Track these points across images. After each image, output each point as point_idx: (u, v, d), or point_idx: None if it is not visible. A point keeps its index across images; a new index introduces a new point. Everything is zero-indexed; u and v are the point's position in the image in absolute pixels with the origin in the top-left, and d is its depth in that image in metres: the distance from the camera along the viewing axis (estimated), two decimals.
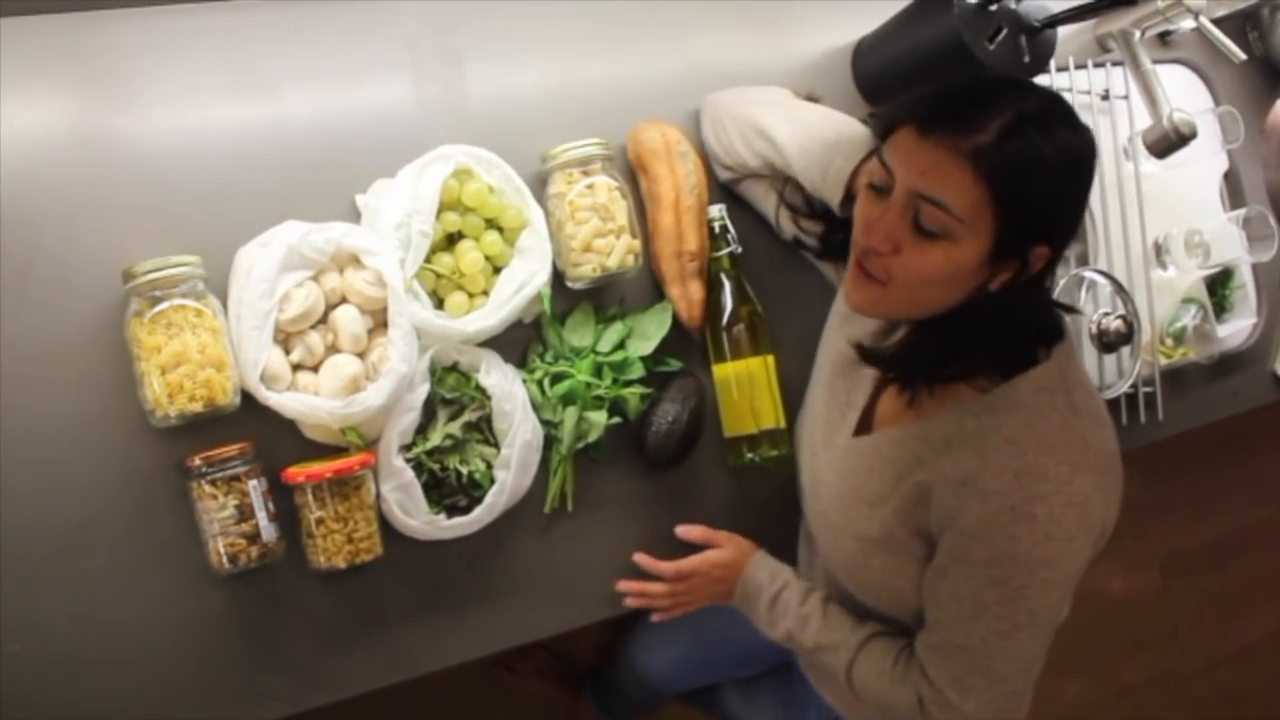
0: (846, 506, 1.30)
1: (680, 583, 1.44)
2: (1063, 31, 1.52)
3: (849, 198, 1.31)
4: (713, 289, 1.51)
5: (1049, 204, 1.11)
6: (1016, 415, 1.17)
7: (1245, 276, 1.94)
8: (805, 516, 1.48)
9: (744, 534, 1.44)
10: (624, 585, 1.45)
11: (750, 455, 1.49)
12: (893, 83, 1.63)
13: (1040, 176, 1.08)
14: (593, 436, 1.44)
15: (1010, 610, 1.17)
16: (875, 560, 1.27)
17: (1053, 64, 1.72)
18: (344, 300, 1.32)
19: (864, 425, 1.35)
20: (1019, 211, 1.08)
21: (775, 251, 1.57)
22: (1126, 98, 1.83)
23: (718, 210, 1.51)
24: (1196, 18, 1.55)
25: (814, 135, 1.38)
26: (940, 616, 1.23)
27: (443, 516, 1.36)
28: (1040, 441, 1.15)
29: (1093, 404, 1.21)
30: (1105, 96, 1.83)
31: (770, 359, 1.51)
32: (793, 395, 1.51)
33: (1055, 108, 1.11)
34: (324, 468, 1.28)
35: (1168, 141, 1.48)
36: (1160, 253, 1.87)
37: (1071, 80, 1.80)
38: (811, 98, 1.49)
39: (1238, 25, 1.95)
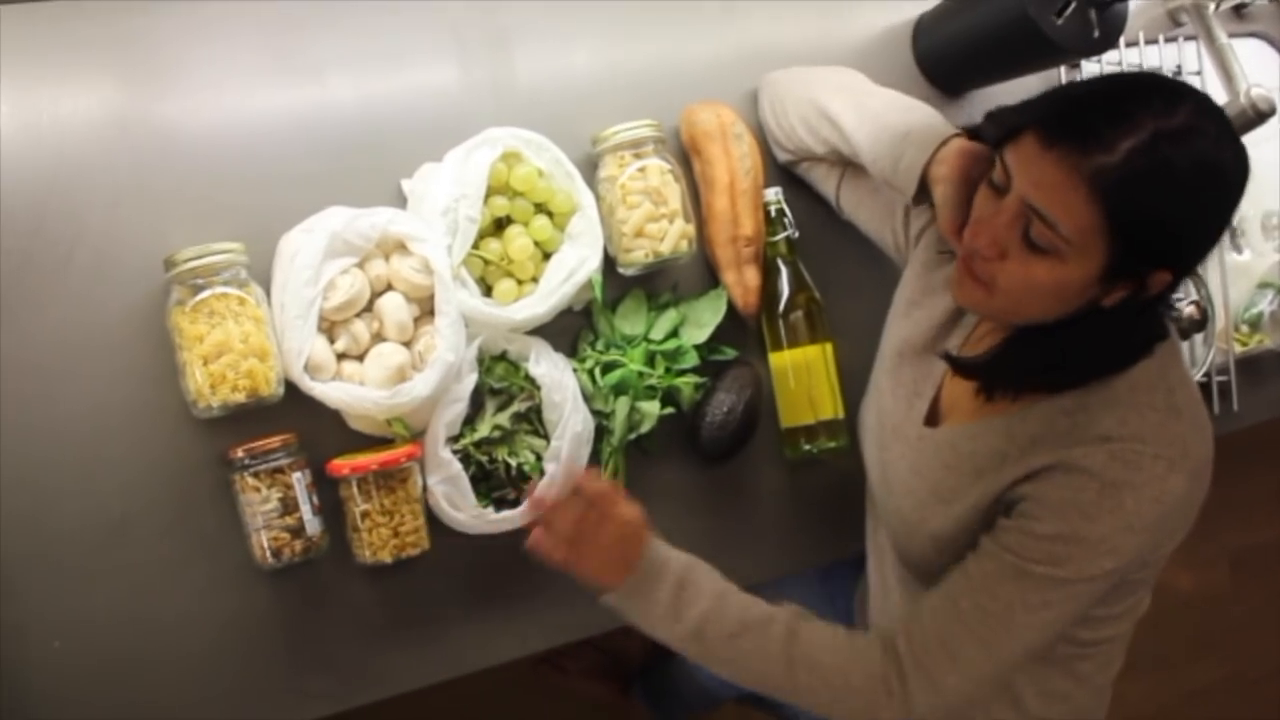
0: (920, 503, 1.27)
1: (581, 514, 1.22)
2: (1133, 5, 1.48)
3: (923, 190, 1.28)
4: (769, 275, 1.50)
5: (1174, 231, 1.05)
6: (1112, 413, 1.13)
7: None
8: (873, 511, 1.46)
9: (801, 531, 1.42)
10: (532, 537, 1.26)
11: (808, 447, 1.48)
12: (955, 61, 1.60)
13: (1168, 203, 1.02)
14: (645, 427, 1.43)
15: (1051, 588, 1.12)
16: (952, 558, 1.22)
17: (1122, 40, 1.68)
18: (389, 288, 1.32)
19: (932, 415, 1.32)
20: (1136, 240, 1.03)
21: (834, 235, 1.55)
22: (1200, 74, 1.78)
23: (774, 193, 1.50)
24: None
25: (884, 125, 1.34)
26: (969, 570, 1.16)
27: (491, 510, 1.36)
28: (1137, 436, 1.11)
29: (1195, 408, 1.16)
30: (1177, 73, 1.79)
31: (829, 347, 1.49)
32: (852, 385, 1.49)
33: (1203, 123, 1.03)
34: (370, 460, 1.28)
35: (1245, 119, 1.43)
36: (1235, 235, 1.82)
37: (1141, 56, 1.76)
38: None
39: None
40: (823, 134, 1.43)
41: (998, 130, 1.10)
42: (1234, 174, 1.04)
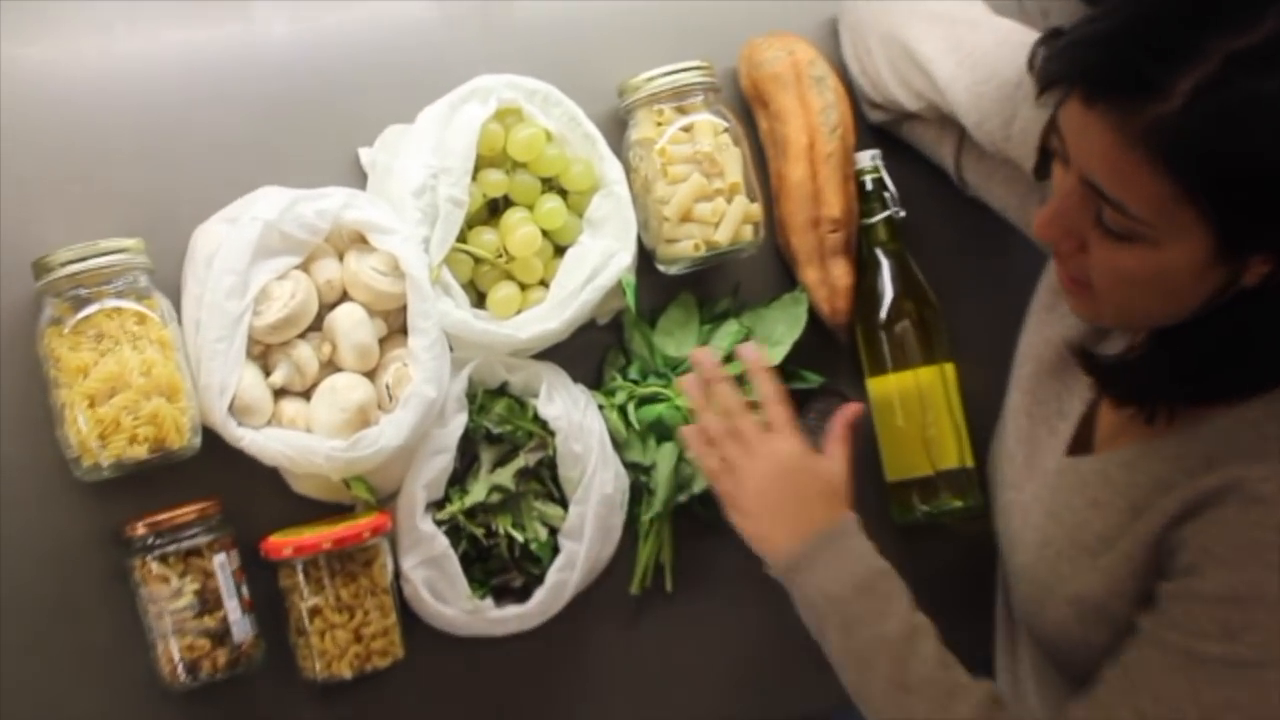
0: (1059, 557, 1.25)
1: (755, 436, 1.29)
2: None
3: (1046, 158, 1.25)
4: (865, 271, 1.49)
5: None
6: None
7: None
8: (1001, 581, 1.44)
9: None
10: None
11: (924, 508, 1.46)
12: None
13: (1263, 144, 0.98)
14: (698, 485, 1.41)
15: (1232, 679, 1.08)
16: (1099, 633, 1.20)
17: None
18: (345, 297, 1.32)
19: (1081, 443, 1.30)
20: (1236, 200, 1.00)
21: (953, 214, 1.53)
22: None
23: (870, 158, 1.49)
24: None
25: (991, 72, 1.33)
26: (1127, 665, 1.14)
27: (490, 603, 1.35)
28: None
29: None
30: None
31: (949, 369, 1.48)
32: (983, 420, 1.47)
33: None
34: (320, 536, 1.26)
35: None
36: None
37: None
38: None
39: None
40: (915, 85, 1.42)
41: (1041, 83, 1.10)
42: None
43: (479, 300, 1.37)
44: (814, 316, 1.46)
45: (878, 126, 1.54)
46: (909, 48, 1.41)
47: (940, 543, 1.51)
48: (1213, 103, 0.97)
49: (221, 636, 1.23)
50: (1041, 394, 1.35)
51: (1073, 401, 1.32)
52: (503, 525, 1.35)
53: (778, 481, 1.28)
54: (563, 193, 1.39)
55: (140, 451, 1.19)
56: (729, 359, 1.41)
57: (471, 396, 1.35)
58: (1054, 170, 1.14)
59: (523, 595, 1.35)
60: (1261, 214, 1.01)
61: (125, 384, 1.18)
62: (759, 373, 1.31)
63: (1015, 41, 1.34)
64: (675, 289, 1.46)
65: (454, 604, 1.32)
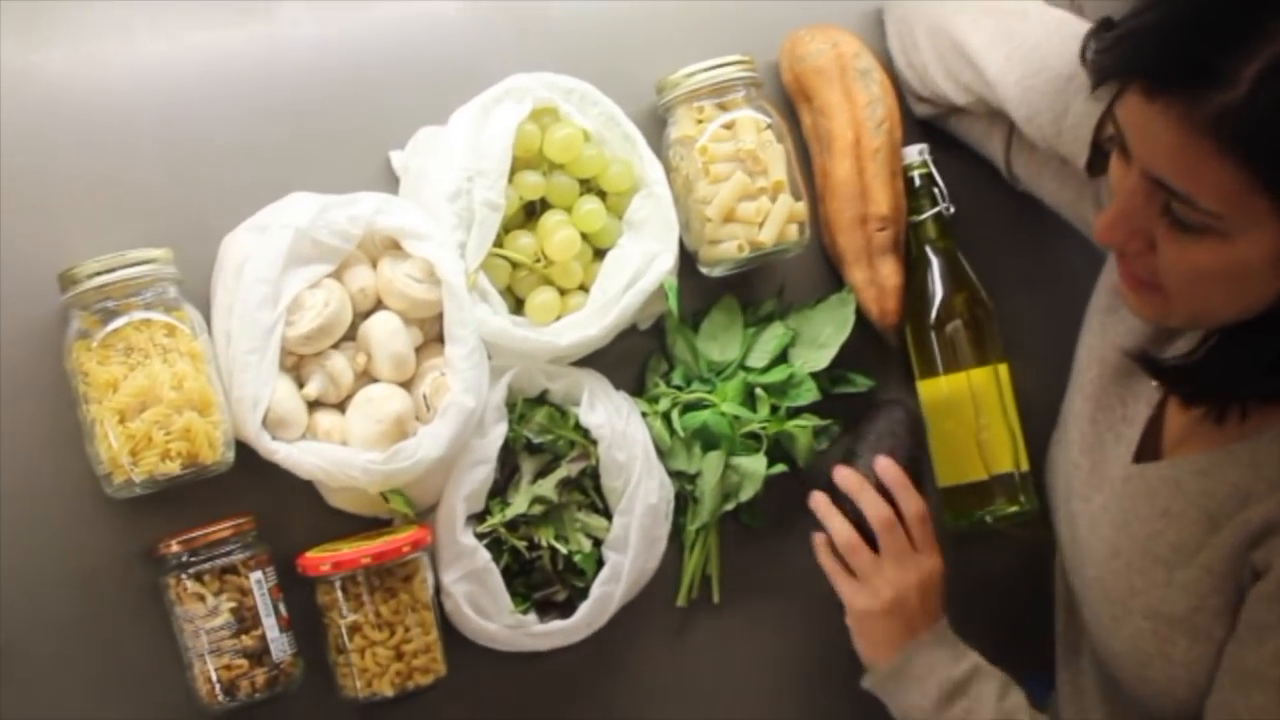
0: (1130, 569, 1.23)
1: (881, 556, 1.37)
2: None
3: (1099, 154, 1.25)
4: (914, 270, 1.49)
5: None
6: None
7: None
8: (1062, 597, 1.42)
9: (969, 635, 1.39)
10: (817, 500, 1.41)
11: (979, 514, 1.46)
12: None
13: None
14: (746, 493, 1.40)
15: None
16: (1178, 649, 1.19)
17: None
18: (379, 306, 1.31)
19: (1149, 449, 1.29)
20: None
21: (1004, 209, 1.53)
22: None
23: (918, 153, 1.49)
24: None
25: (1042, 65, 1.32)
26: (1236, 705, 1.13)
27: (533, 617, 1.35)
28: None
29: None
30: None
31: (1003, 369, 1.48)
32: (1039, 422, 1.46)
33: None
34: (359, 551, 1.25)
35: None
36: None
37: None
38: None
39: None
40: (963, 79, 1.42)
41: (1096, 78, 1.09)
42: None
43: (517, 306, 1.37)
44: (862, 318, 1.46)
45: (925, 120, 1.54)
46: (957, 40, 1.40)
47: (995, 548, 1.52)
48: (1274, 87, 0.96)
49: (259, 656, 1.23)
50: (1106, 400, 1.35)
51: (1139, 406, 1.31)
52: (545, 537, 1.35)
53: (912, 593, 1.34)
54: (602, 194, 1.39)
55: (173, 467, 1.18)
56: (776, 362, 1.43)
57: (511, 406, 1.35)
58: (1112, 169, 1.13)
59: (567, 609, 1.36)
60: None
61: (156, 398, 1.18)
62: (903, 489, 1.36)
63: (1066, 33, 1.33)
64: (719, 291, 1.46)
65: (496, 619, 1.33)
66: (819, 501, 1.38)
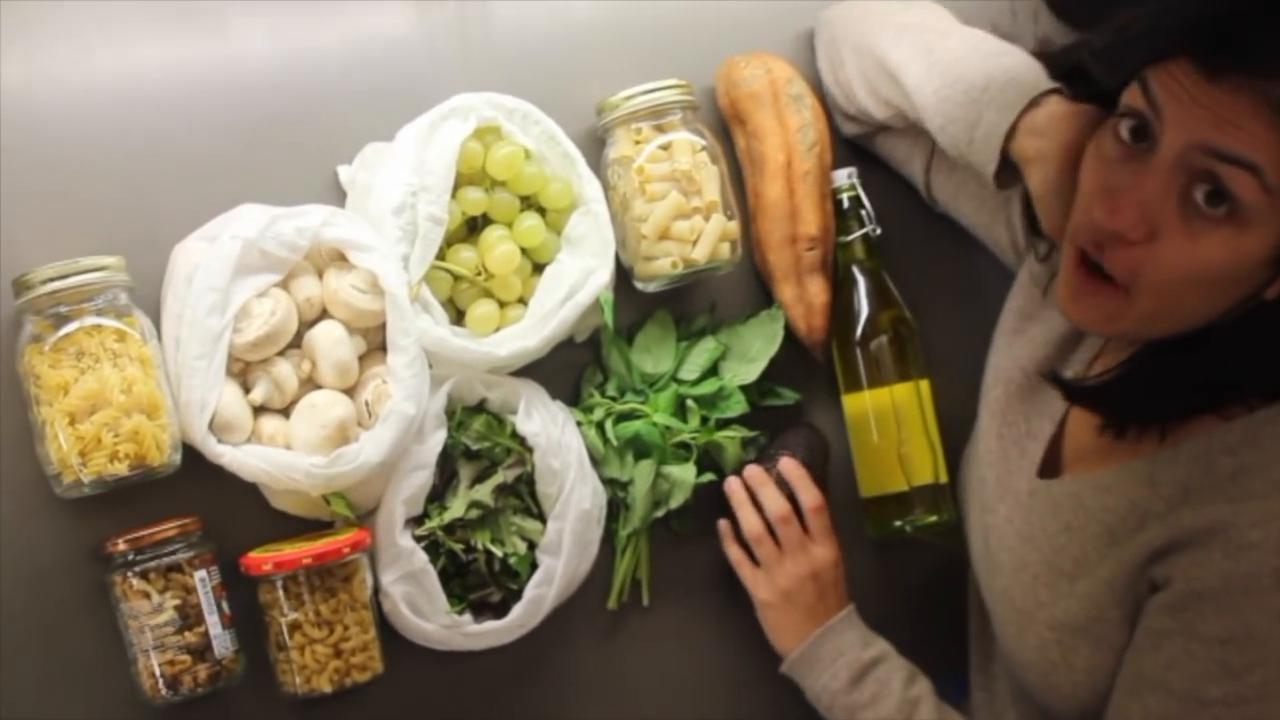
0: (1036, 581, 1.25)
1: (779, 544, 1.40)
2: None
3: (1006, 166, 1.26)
4: (841, 288, 1.50)
5: None
6: None
7: None
8: (975, 604, 1.44)
9: (896, 640, 1.40)
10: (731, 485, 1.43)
11: (899, 523, 1.46)
12: None
13: None
14: (676, 501, 1.41)
15: (1235, 709, 1.08)
16: (1081, 657, 1.20)
17: None
18: (325, 315, 1.32)
19: (1052, 463, 1.30)
20: None
21: (928, 231, 1.54)
22: None
23: (846, 176, 1.49)
24: None
25: (958, 78, 1.32)
26: (1131, 709, 1.15)
27: (468, 618, 1.35)
28: None
29: None
30: None
31: (924, 385, 1.48)
32: (958, 436, 1.47)
33: None
34: (300, 552, 1.26)
35: None
36: None
37: None
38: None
39: None
40: (884, 93, 1.42)
41: (1123, 63, 1.09)
42: None
43: (458, 318, 1.37)
44: (790, 333, 1.46)
45: (854, 143, 1.54)
46: (880, 56, 1.40)
47: (915, 557, 1.52)
48: None
49: (202, 652, 1.24)
50: (1011, 416, 1.35)
51: (1042, 422, 1.32)
52: (481, 541, 1.35)
53: (807, 583, 1.38)
54: (541, 211, 1.39)
55: (121, 468, 1.19)
56: (707, 375, 1.44)
57: (450, 413, 1.35)
58: (1088, 167, 1.12)
59: (501, 610, 1.36)
60: None
61: (106, 401, 1.19)
62: (801, 483, 1.39)
63: (985, 50, 1.34)
64: (652, 306, 1.46)
65: (433, 619, 1.33)
66: (735, 488, 1.41)
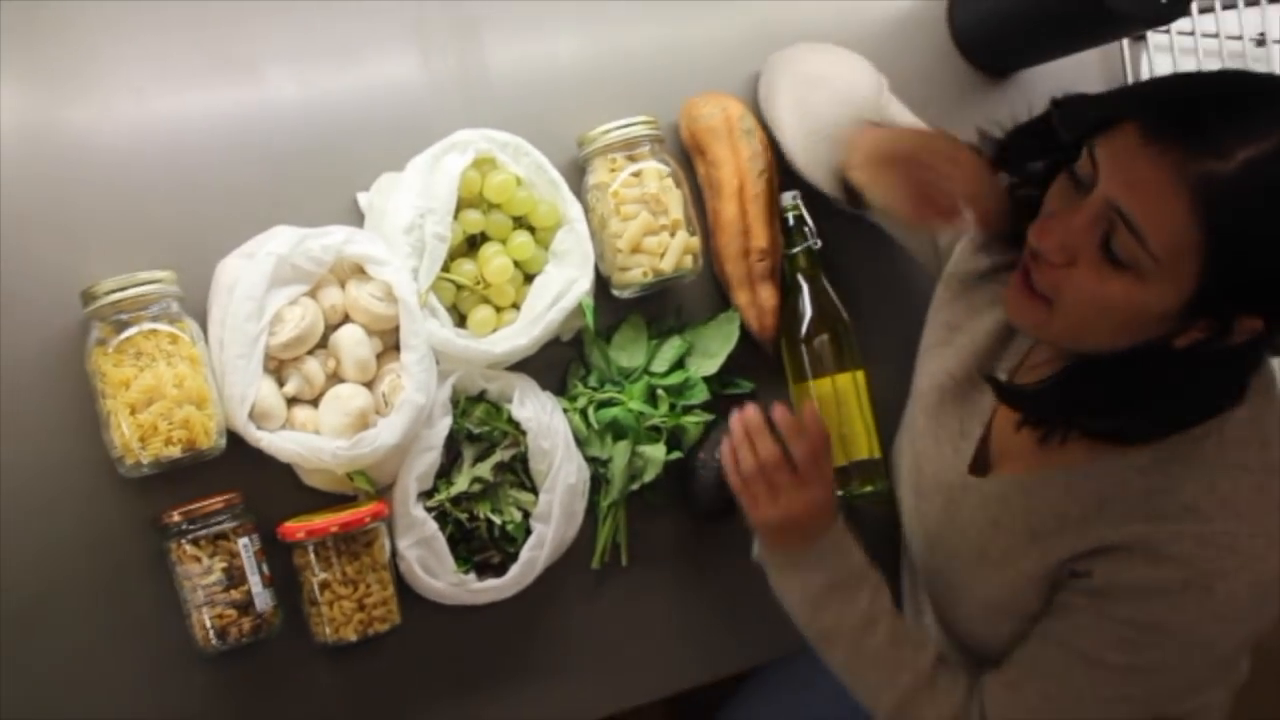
0: (966, 566, 1.30)
1: (785, 474, 1.29)
2: None
3: (852, 193, 1.33)
4: (788, 294, 1.53)
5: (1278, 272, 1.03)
6: (1197, 476, 1.14)
7: None
8: (909, 567, 1.49)
9: None
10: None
11: (841, 493, 1.48)
12: (1000, 35, 1.64)
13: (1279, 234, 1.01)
14: (649, 475, 1.45)
15: (1130, 681, 1.16)
16: (1004, 626, 1.27)
17: (1195, 5, 1.69)
18: (347, 320, 1.34)
19: (981, 461, 1.34)
20: (1235, 270, 1.03)
21: (863, 246, 1.57)
22: None
23: (791, 198, 1.52)
24: None
25: (819, 124, 1.39)
26: (1036, 656, 1.21)
27: (473, 577, 1.38)
28: (1230, 508, 1.12)
29: None
30: (1260, 42, 1.82)
31: (860, 375, 1.52)
32: (889, 419, 1.51)
33: None
34: (328, 521, 1.29)
35: None
36: None
37: (1219, 24, 1.79)
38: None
39: None
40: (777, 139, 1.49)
41: (1082, 120, 1.11)
42: None
43: (461, 321, 1.39)
44: (745, 333, 1.49)
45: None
46: (769, 107, 1.47)
47: (853, 521, 1.41)
48: (1259, 178, 0.98)
49: (246, 607, 1.27)
50: (945, 418, 1.38)
51: (973, 423, 1.34)
52: (483, 511, 1.38)
53: (800, 519, 1.29)
54: (531, 229, 1.41)
55: (175, 452, 1.23)
56: (674, 368, 1.47)
57: (455, 402, 1.37)
58: (1054, 191, 1.14)
59: (500, 570, 1.38)
60: (1239, 289, 1.03)
61: (161, 394, 1.22)
62: (794, 435, 1.29)
63: (841, 95, 1.43)
64: (627, 310, 1.49)
65: (442, 578, 1.35)
66: (752, 419, 1.31)
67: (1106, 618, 1.15)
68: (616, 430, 1.44)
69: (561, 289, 1.40)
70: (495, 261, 1.38)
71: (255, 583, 1.29)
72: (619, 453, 1.44)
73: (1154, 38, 1.75)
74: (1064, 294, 1.11)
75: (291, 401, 1.32)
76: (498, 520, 1.39)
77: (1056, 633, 1.20)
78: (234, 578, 1.28)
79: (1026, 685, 1.20)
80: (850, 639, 1.28)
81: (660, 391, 1.47)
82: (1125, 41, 1.72)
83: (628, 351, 1.48)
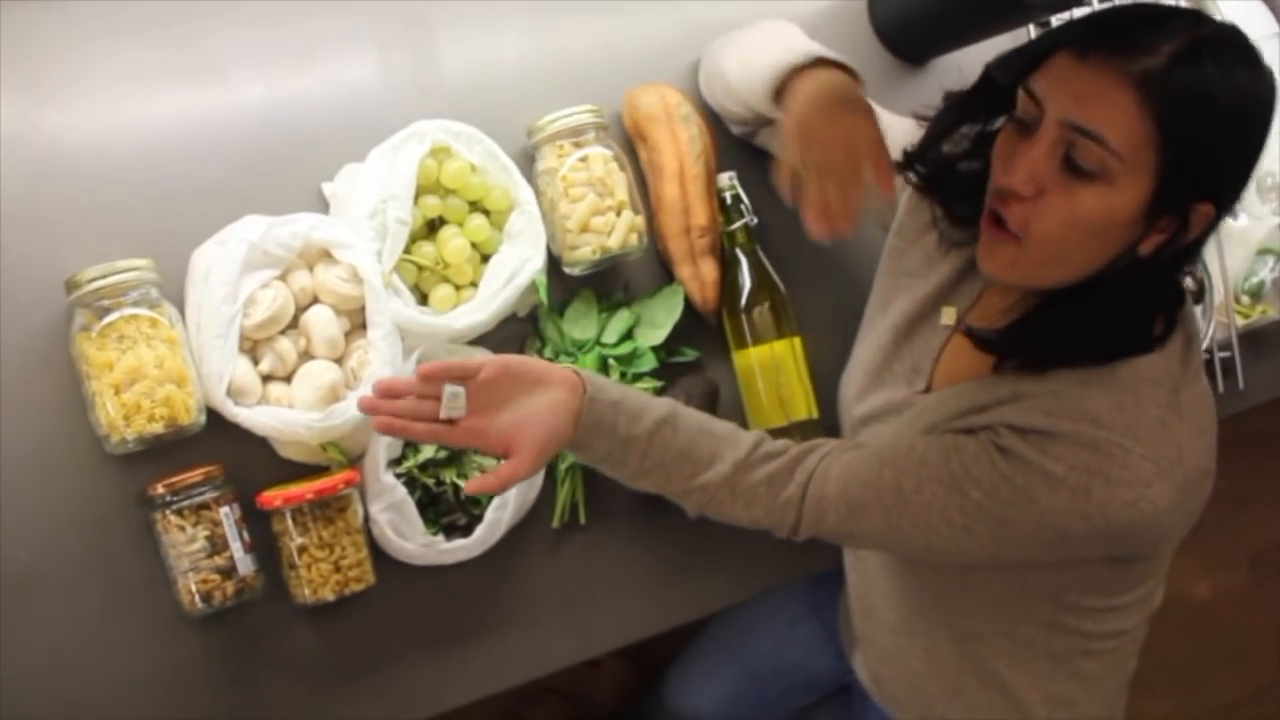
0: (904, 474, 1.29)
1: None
2: None
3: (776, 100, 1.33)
4: (728, 267, 1.54)
5: (1220, 151, 1.09)
6: (1110, 395, 1.17)
7: None
8: None
9: (782, 542, 1.37)
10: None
11: None
12: (916, 25, 1.67)
13: (1213, 116, 1.07)
14: None
15: (976, 519, 1.18)
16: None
17: None
18: (316, 300, 1.35)
19: (929, 386, 1.37)
20: (1186, 155, 1.08)
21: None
22: None
23: (728, 178, 1.55)
24: None
25: (755, 62, 1.39)
26: (914, 447, 1.23)
27: (441, 538, 1.39)
28: (1129, 429, 1.15)
29: (1200, 411, 1.21)
30: None
31: (797, 341, 1.54)
32: (825, 381, 1.54)
33: (1234, 39, 1.10)
34: (304, 489, 1.30)
35: None
36: None
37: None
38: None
39: None
40: (720, 95, 1.50)
41: (1013, 67, 1.15)
42: (1268, 97, 1.10)
43: (423, 299, 1.40)
44: (689, 304, 1.51)
45: (738, 149, 1.58)
46: (723, 71, 1.48)
47: None
48: (1185, 67, 1.05)
49: (229, 572, 1.28)
50: (902, 355, 1.39)
51: (925, 358, 1.36)
52: (449, 476, 1.39)
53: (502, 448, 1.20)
54: (486, 212, 1.42)
55: (157, 428, 1.24)
56: (624, 339, 1.48)
57: None
58: (1003, 140, 1.17)
59: (467, 531, 1.39)
60: (1193, 175, 1.08)
61: (143, 375, 1.23)
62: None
63: (779, 43, 1.39)
64: (578, 286, 1.50)
65: (412, 540, 1.37)
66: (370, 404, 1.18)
67: (990, 464, 1.18)
68: None
69: (516, 267, 1.41)
70: (453, 243, 1.40)
71: (237, 549, 1.29)
72: None
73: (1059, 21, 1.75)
74: (1034, 226, 1.14)
75: (266, 379, 1.33)
76: (463, 484, 1.39)
77: (942, 444, 1.22)
78: (217, 545, 1.28)
79: (889, 468, 1.22)
80: (662, 475, 1.28)
81: (611, 361, 1.49)
82: (1032, 26, 1.74)
83: (580, 324, 1.50)
